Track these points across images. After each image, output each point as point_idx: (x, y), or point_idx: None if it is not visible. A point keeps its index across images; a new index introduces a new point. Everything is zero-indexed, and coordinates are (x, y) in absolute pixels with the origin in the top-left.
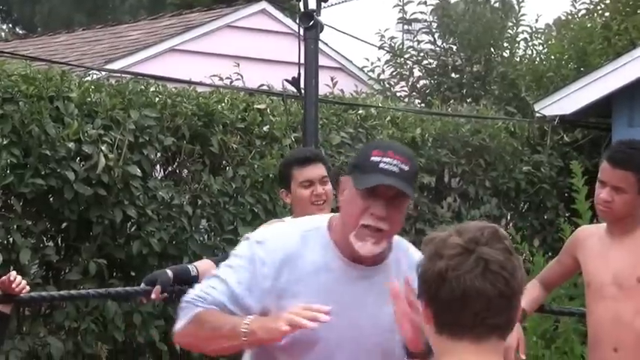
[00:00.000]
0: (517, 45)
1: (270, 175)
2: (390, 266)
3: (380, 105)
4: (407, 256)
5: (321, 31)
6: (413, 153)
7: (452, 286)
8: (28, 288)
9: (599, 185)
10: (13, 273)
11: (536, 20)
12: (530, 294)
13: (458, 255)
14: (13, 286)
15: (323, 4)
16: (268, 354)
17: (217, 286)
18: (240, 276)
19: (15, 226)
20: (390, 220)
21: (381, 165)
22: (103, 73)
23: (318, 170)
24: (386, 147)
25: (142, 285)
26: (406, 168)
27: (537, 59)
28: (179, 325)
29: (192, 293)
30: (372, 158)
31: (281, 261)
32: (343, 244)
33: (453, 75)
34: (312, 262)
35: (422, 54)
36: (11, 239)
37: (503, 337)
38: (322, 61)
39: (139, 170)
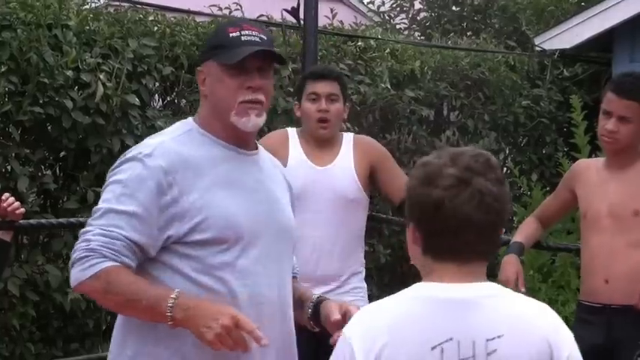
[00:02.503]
0: None
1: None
2: (263, 154)
3: (379, 37)
4: (266, 153)
5: None
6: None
7: (447, 216)
8: (22, 210)
9: (604, 116)
10: (6, 194)
11: None
12: (526, 230)
13: (454, 186)
14: (4, 205)
15: None
16: (176, 253)
17: (120, 222)
18: (142, 199)
19: (13, 154)
20: (264, 90)
21: (243, 38)
22: (102, 1)
23: (328, 87)
24: (237, 22)
25: None
26: (265, 37)
27: None
28: (80, 275)
29: (92, 236)
30: (231, 35)
31: (178, 164)
32: (223, 133)
33: (453, 8)
34: (202, 157)
35: None
36: (9, 167)
37: (486, 260)
38: None
39: (137, 99)
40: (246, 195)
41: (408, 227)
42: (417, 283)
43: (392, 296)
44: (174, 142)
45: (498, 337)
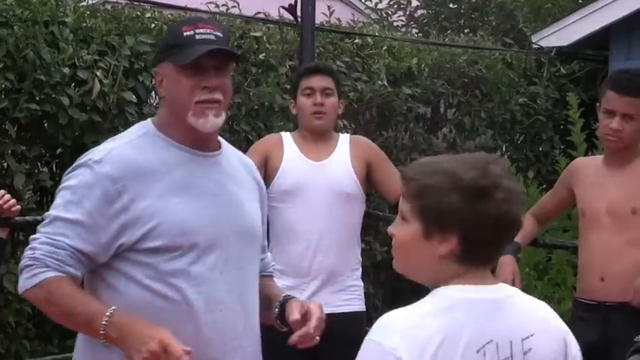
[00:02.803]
0: None
1: (266, 104)
2: (228, 153)
3: (377, 34)
4: (233, 151)
5: None
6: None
7: (505, 226)
8: (18, 207)
9: (606, 115)
10: (2, 191)
11: None
12: (523, 228)
13: (509, 197)
14: (0, 202)
15: None
16: (132, 262)
17: (66, 230)
18: (88, 207)
19: (9, 151)
20: (222, 89)
21: (198, 37)
22: None
23: (322, 81)
24: (192, 20)
25: None
26: (221, 35)
27: None
28: (26, 283)
29: (38, 244)
30: (186, 34)
31: (129, 171)
32: (182, 135)
33: (450, 5)
34: (157, 162)
35: None
36: (5, 164)
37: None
38: None
39: (133, 96)
40: (204, 199)
41: (438, 241)
42: (446, 287)
43: (422, 301)
44: (127, 147)
45: (531, 335)
